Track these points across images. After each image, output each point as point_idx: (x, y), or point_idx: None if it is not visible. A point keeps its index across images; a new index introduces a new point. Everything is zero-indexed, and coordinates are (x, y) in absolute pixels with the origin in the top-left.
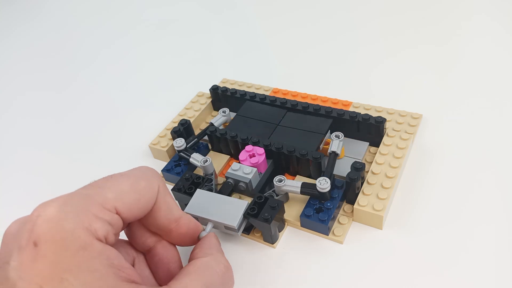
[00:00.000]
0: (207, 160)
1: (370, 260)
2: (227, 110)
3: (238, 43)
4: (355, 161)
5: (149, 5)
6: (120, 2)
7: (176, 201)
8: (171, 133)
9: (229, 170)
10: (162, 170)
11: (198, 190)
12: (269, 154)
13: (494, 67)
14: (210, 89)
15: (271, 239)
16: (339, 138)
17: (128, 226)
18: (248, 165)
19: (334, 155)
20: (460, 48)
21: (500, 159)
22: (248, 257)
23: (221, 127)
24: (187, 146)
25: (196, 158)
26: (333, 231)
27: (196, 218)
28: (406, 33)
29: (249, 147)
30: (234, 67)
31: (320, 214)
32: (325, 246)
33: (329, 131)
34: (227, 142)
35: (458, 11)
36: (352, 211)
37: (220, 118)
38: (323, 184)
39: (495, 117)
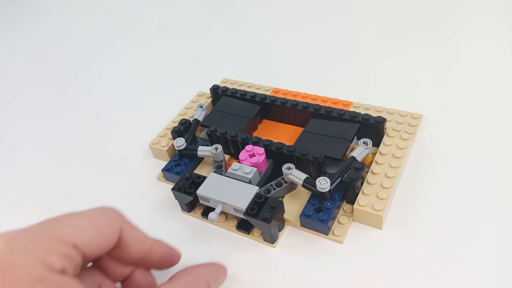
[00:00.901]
0: (217, 148)
1: (370, 260)
2: (204, 104)
3: (238, 43)
4: (355, 161)
5: (149, 5)
6: (120, 2)
7: (144, 232)
8: (171, 132)
9: (229, 170)
10: (162, 170)
11: (211, 173)
12: (269, 154)
13: (494, 67)
14: (210, 89)
15: (271, 239)
16: (366, 145)
17: (99, 260)
18: (248, 165)
19: (352, 160)
20: (460, 48)
21: (500, 159)
22: (248, 257)
23: (199, 118)
24: (185, 149)
25: (204, 149)
26: (333, 231)
27: (208, 199)
28: (406, 33)
29: (249, 147)
30: (234, 67)
31: (320, 214)
32: (324, 246)
33: (356, 136)
34: (227, 141)
35: (458, 11)
36: (352, 211)
37: (201, 112)
38: (322, 184)
39: (495, 117)
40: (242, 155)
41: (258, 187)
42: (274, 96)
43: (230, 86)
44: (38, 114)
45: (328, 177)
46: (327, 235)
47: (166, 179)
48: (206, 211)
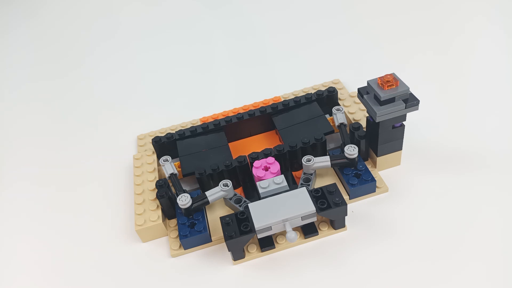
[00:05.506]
0: (227, 184)
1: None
2: (167, 157)
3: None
4: (354, 122)
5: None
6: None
7: None
8: (159, 199)
9: (261, 191)
10: (180, 239)
11: (249, 204)
12: (276, 158)
13: (493, 68)
14: (152, 142)
15: (343, 222)
16: (340, 111)
17: None
18: (271, 177)
19: (344, 126)
20: (459, 50)
21: (499, 159)
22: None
23: (175, 171)
24: (193, 203)
25: (215, 192)
26: (377, 186)
27: (269, 227)
28: (407, 36)
29: (256, 163)
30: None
31: (362, 176)
32: (325, 246)
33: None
34: (222, 175)
35: (459, 12)
36: (372, 166)
37: (170, 165)
38: (351, 150)
39: (494, 117)
40: (259, 172)
41: (304, 187)
42: (228, 117)
43: (160, 134)
44: (37, 114)
45: (350, 145)
46: (375, 191)
47: (186, 248)
48: (264, 243)
